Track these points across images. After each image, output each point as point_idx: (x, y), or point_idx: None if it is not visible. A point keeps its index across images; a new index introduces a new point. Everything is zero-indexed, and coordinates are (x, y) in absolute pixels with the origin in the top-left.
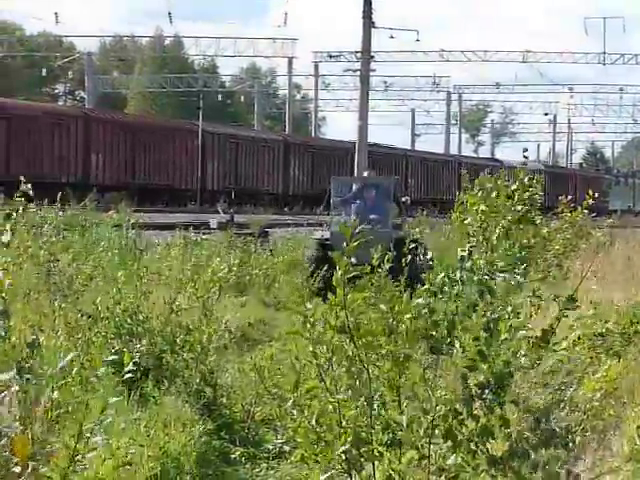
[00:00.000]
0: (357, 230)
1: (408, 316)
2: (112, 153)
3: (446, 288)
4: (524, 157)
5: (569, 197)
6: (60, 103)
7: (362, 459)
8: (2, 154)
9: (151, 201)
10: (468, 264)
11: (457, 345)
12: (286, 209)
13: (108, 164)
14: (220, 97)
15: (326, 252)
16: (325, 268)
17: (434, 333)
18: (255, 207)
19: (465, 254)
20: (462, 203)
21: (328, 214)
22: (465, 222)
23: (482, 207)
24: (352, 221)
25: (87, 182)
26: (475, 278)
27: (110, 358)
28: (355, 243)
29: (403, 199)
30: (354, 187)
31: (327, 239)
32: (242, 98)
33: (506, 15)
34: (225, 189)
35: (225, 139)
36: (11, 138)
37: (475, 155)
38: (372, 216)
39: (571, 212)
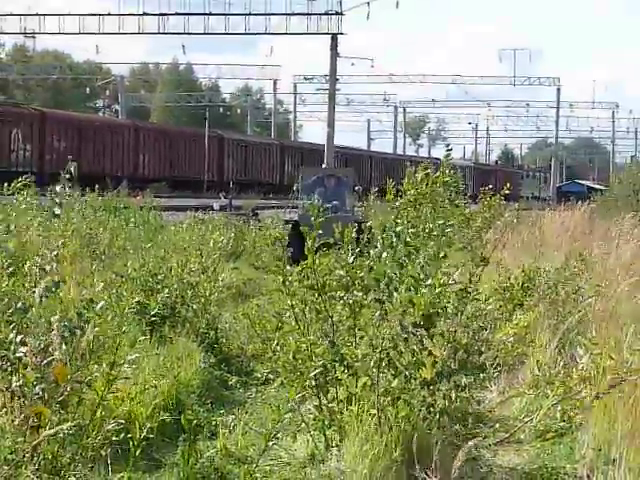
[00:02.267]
0: (321, 211)
1: (361, 274)
2: (155, 153)
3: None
4: (447, 152)
5: (491, 187)
6: (100, 114)
7: (327, 385)
8: (74, 155)
9: (183, 189)
10: (398, 229)
11: (395, 295)
12: (282, 195)
13: (152, 162)
14: (221, 110)
15: (296, 231)
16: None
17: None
18: (248, 194)
19: (396, 225)
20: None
21: (297, 199)
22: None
23: (412, 191)
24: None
25: (136, 176)
26: (401, 244)
27: (135, 300)
28: (320, 219)
29: (356, 187)
30: (317, 177)
31: (296, 221)
32: (238, 111)
33: (441, 45)
34: (238, 180)
35: (238, 143)
36: (81, 143)
37: (418, 155)
38: (333, 202)
39: (490, 198)
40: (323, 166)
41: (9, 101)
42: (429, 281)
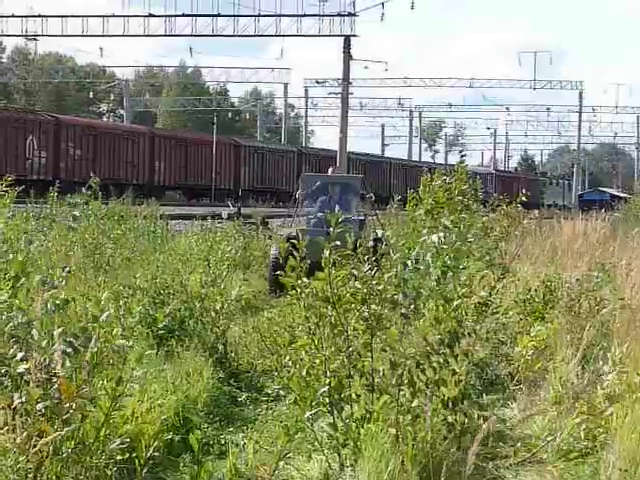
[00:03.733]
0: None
1: (380, 288)
2: (170, 161)
3: (417, 265)
4: (461, 157)
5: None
6: (104, 119)
7: (342, 402)
8: (89, 163)
9: (198, 198)
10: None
11: (425, 312)
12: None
13: (167, 169)
14: (230, 115)
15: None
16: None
17: (403, 301)
18: (258, 202)
19: (436, 240)
20: (414, 198)
21: (296, 208)
22: (417, 214)
23: (430, 200)
24: (315, 219)
25: (152, 183)
26: (439, 262)
27: (139, 310)
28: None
29: (367, 195)
30: (320, 184)
31: (294, 236)
32: (247, 115)
33: (457, 47)
34: (254, 188)
35: (254, 150)
36: (96, 150)
37: (434, 161)
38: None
39: (507, 205)
40: (329, 171)
41: (25, 107)
42: (457, 301)
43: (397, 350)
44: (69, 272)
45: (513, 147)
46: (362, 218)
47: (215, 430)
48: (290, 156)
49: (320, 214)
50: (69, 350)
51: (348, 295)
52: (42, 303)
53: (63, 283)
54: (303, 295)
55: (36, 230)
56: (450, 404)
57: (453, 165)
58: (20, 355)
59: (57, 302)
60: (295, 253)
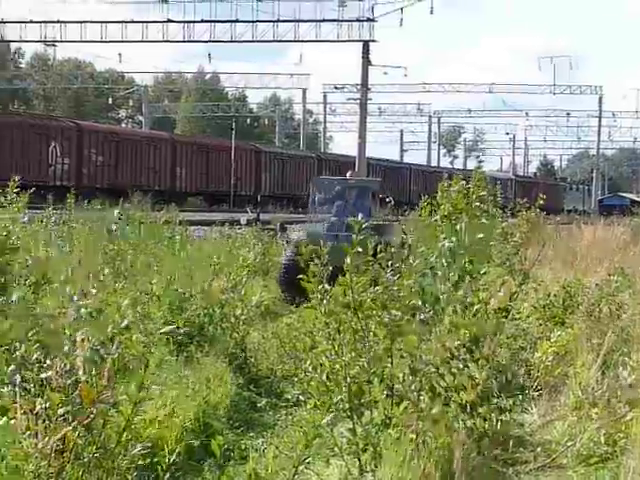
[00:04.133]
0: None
1: (401, 294)
2: (192, 167)
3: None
4: (479, 163)
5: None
6: (123, 125)
7: (362, 407)
8: (112, 169)
9: (219, 204)
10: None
11: (445, 318)
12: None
13: (189, 175)
14: (248, 120)
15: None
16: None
17: (423, 307)
18: (277, 208)
19: (450, 246)
20: (429, 204)
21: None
22: (433, 220)
23: (447, 206)
24: (329, 224)
25: (174, 189)
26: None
27: (160, 317)
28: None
29: (387, 199)
30: (336, 188)
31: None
32: (266, 121)
33: (476, 52)
34: (274, 194)
35: (275, 156)
36: (118, 156)
37: (454, 166)
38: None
39: (526, 211)
40: (348, 174)
41: (48, 114)
42: (477, 305)
43: (416, 356)
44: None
45: (532, 152)
46: (381, 222)
47: (235, 435)
48: (310, 162)
49: (333, 218)
50: (91, 356)
51: (369, 301)
52: (75, 310)
53: (95, 293)
54: (324, 301)
55: (55, 236)
56: (469, 409)
57: (472, 170)
58: (48, 361)
59: (90, 312)
60: (315, 259)
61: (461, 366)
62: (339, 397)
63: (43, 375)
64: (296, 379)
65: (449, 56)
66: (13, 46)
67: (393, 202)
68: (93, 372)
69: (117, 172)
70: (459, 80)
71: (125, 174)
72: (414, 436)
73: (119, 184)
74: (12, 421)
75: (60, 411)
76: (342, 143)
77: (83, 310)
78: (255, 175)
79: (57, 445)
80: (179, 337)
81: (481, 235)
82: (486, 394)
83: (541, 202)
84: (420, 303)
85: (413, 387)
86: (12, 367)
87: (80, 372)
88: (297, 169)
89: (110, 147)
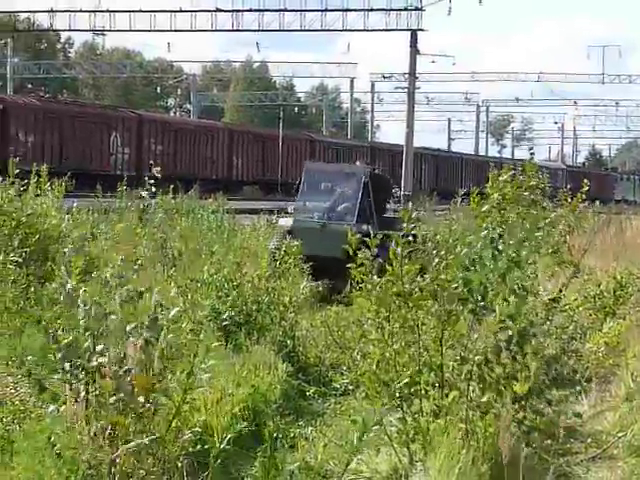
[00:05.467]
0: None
1: (453, 285)
2: (248, 156)
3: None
4: (530, 154)
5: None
6: (171, 114)
7: (412, 396)
8: (171, 158)
9: (274, 192)
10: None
11: (488, 307)
12: None
13: (245, 164)
14: (296, 109)
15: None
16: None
17: (471, 298)
18: None
19: (496, 236)
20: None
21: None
22: (482, 210)
23: (496, 195)
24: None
25: (230, 178)
26: (504, 255)
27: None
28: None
29: (393, 190)
30: (325, 174)
31: (289, 230)
32: (313, 110)
33: (524, 41)
34: None
35: (328, 145)
36: (177, 146)
37: (502, 156)
38: (340, 207)
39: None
40: (357, 163)
41: (109, 104)
42: (534, 297)
43: (465, 345)
44: (141, 265)
45: (581, 142)
46: (392, 216)
47: (284, 423)
48: (363, 151)
49: (321, 206)
50: (141, 344)
51: (418, 290)
52: (119, 296)
53: (134, 276)
54: (373, 290)
55: (103, 223)
56: (519, 400)
57: (522, 160)
58: (99, 347)
59: (131, 295)
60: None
61: (512, 357)
62: (395, 386)
63: (93, 362)
64: (345, 368)
65: (497, 44)
66: (63, 35)
67: (399, 192)
68: (142, 359)
69: (175, 161)
70: (507, 69)
71: (183, 163)
72: (463, 426)
73: (178, 173)
74: (62, 408)
75: (111, 399)
76: (389, 132)
77: (124, 294)
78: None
79: (109, 433)
80: (228, 325)
81: (530, 225)
82: (537, 385)
83: (589, 191)
84: (468, 293)
85: (462, 377)
86: (61, 354)
87: (130, 360)
88: (350, 158)
89: (169, 137)
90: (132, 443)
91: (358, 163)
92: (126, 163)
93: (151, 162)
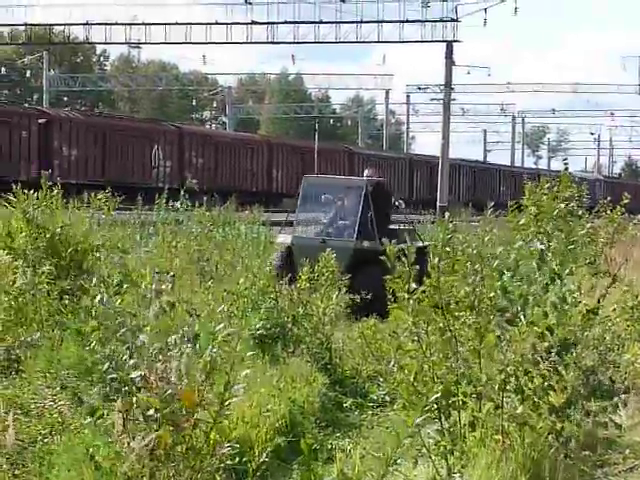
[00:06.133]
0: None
1: (491, 295)
2: (287, 168)
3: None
4: (565, 164)
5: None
6: (207, 126)
7: (450, 408)
8: (212, 171)
9: None
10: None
11: (527, 319)
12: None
13: (284, 177)
14: (331, 121)
15: (290, 257)
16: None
17: (509, 309)
18: None
19: (541, 248)
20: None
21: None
22: (520, 223)
23: (533, 208)
24: (317, 228)
25: (270, 191)
26: (546, 268)
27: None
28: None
29: (396, 203)
30: (325, 187)
31: (289, 247)
32: (349, 122)
33: (559, 53)
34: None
35: (367, 157)
36: (217, 159)
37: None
38: (339, 222)
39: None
40: (365, 173)
41: (151, 118)
42: (574, 309)
43: (494, 357)
44: (174, 277)
45: (617, 152)
46: (398, 228)
47: (322, 435)
48: (401, 163)
49: (322, 220)
50: (183, 358)
51: (455, 301)
52: (154, 308)
53: (169, 287)
54: (412, 301)
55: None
56: (557, 411)
57: (559, 171)
58: (132, 361)
59: (164, 306)
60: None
61: (550, 368)
62: (432, 398)
63: (134, 375)
64: (381, 379)
65: (532, 56)
66: (99, 48)
67: (404, 205)
68: (185, 373)
69: (216, 174)
70: (542, 80)
71: (224, 176)
72: (500, 437)
73: (218, 186)
74: (100, 421)
75: (150, 412)
76: (424, 143)
77: (157, 304)
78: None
79: (150, 446)
80: (263, 337)
81: (569, 237)
82: (575, 396)
83: (632, 205)
84: (506, 304)
85: (496, 388)
86: (103, 367)
87: (173, 376)
88: (389, 171)
89: (209, 150)
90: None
91: (367, 172)
92: (168, 176)
93: (190, 175)
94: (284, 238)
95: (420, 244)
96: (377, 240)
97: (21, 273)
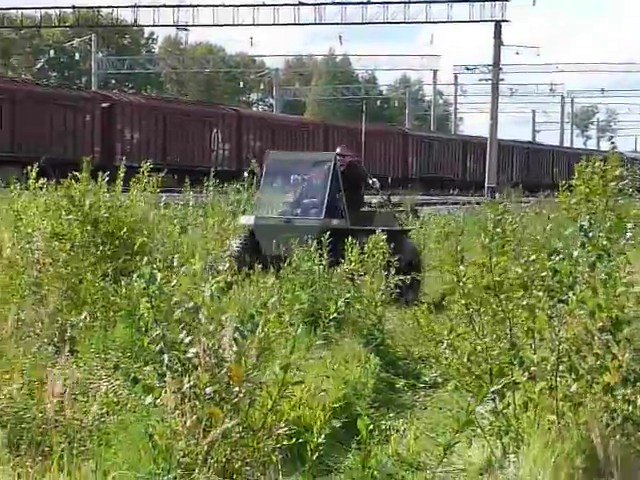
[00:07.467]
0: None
1: (543, 274)
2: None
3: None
4: (611, 144)
5: None
6: (254, 109)
7: (504, 389)
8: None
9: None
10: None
11: (576, 298)
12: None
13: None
14: (378, 102)
15: (253, 239)
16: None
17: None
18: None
19: (586, 224)
20: (569, 187)
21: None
22: (572, 203)
23: (583, 187)
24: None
25: None
26: (593, 244)
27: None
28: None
29: (370, 181)
30: (290, 164)
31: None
32: (396, 103)
33: (612, 29)
34: (422, 176)
35: (421, 139)
36: (275, 141)
37: (587, 147)
38: (306, 200)
39: None
40: (338, 150)
41: (210, 101)
42: (620, 287)
43: (552, 337)
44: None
45: None
46: (371, 210)
47: (376, 416)
48: (454, 145)
49: (286, 200)
50: (237, 336)
51: (508, 282)
52: (209, 288)
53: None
54: (462, 282)
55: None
56: (611, 390)
57: (618, 153)
58: (187, 339)
59: (221, 286)
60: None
61: (605, 346)
62: (482, 378)
63: (190, 354)
64: (433, 361)
65: (583, 34)
66: (146, 31)
67: (378, 184)
68: (238, 350)
69: None
70: (592, 59)
71: None
72: (554, 417)
73: None
74: (157, 400)
75: (207, 390)
76: (472, 124)
77: (215, 286)
78: (402, 158)
79: (205, 424)
80: (317, 318)
81: (618, 215)
82: (629, 375)
83: None
84: (557, 284)
85: (549, 368)
86: (159, 346)
87: (227, 352)
88: (442, 152)
89: (267, 133)
90: (221, 429)
91: (339, 149)
92: (226, 159)
93: (250, 157)
94: (247, 220)
95: (399, 228)
96: (347, 220)
97: (72, 257)
